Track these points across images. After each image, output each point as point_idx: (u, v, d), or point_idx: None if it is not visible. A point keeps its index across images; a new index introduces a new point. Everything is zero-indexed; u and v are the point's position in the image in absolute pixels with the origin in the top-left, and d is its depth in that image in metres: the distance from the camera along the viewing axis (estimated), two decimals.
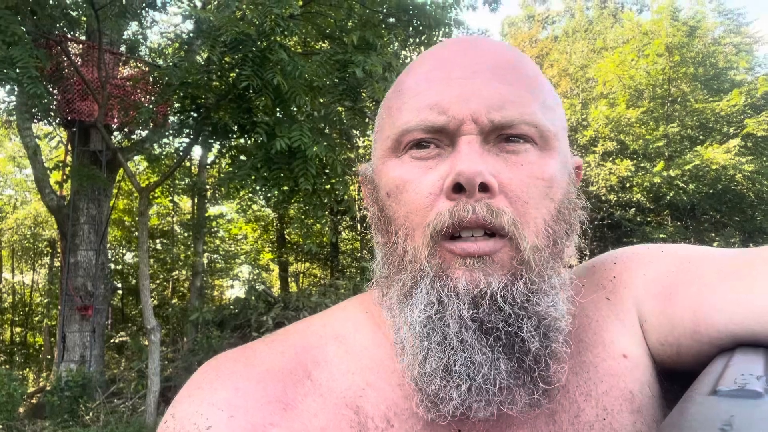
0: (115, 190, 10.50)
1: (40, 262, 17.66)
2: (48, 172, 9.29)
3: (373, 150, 0.67)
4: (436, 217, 0.54)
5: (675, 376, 0.62)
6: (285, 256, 16.08)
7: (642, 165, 14.52)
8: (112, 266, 13.66)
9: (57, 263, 15.03)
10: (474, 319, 0.53)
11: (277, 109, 6.61)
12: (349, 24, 6.96)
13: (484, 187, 0.53)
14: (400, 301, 0.57)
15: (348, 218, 14.89)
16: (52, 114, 8.87)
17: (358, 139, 10.58)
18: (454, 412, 0.53)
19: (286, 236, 16.04)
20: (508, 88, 0.56)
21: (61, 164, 9.74)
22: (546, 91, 0.60)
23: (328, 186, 7.24)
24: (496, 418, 0.57)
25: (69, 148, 9.43)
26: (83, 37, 9.11)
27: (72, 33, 8.75)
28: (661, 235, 13.92)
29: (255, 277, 16.53)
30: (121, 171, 9.41)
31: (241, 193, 10.78)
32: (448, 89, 0.56)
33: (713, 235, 14.67)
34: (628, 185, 14.61)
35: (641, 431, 0.58)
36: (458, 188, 0.53)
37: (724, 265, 0.59)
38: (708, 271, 0.59)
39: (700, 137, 14.90)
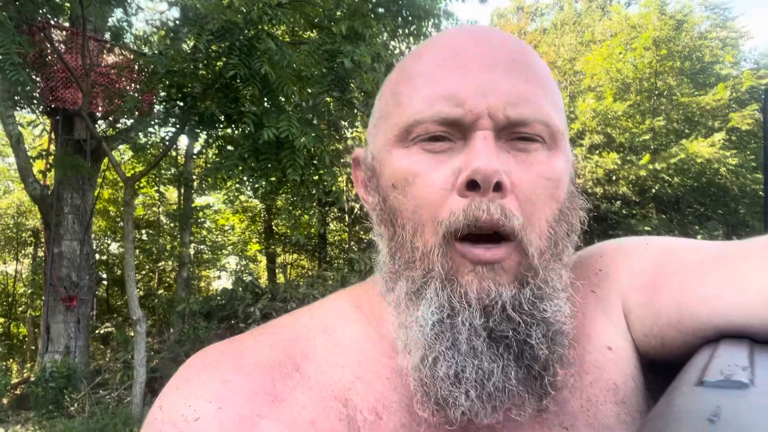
0: (99, 180, 10.38)
1: (23, 252, 17.44)
2: (31, 160, 9.15)
3: (372, 135, 0.65)
4: (450, 216, 0.53)
5: (659, 366, 0.63)
6: (272, 247, 16.03)
7: (628, 158, 14.64)
8: (97, 257, 13.53)
9: (41, 253, 14.86)
10: (485, 328, 0.52)
11: (265, 99, 6.56)
12: (338, 13, 6.91)
13: (498, 186, 0.52)
14: (409, 299, 0.56)
15: (336, 209, 14.87)
16: (35, 102, 8.74)
17: (346, 130, 10.54)
18: (462, 418, 0.53)
19: (274, 227, 15.97)
20: (524, 85, 0.56)
21: (44, 153, 9.62)
22: (555, 90, 0.60)
23: (316, 177, 7.22)
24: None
25: (53, 136, 9.30)
26: (67, 24, 8.96)
27: (55, 19, 8.60)
28: (646, 228, 14.07)
29: (242, 268, 16.49)
30: (105, 160, 9.31)
31: (228, 184, 10.70)
32: (465, 81, 0.55)
33: (697, 227, 14.86)
34: (614, 178, 14.73)
35: (625, 422, 0.59)
36: (472, 185, 0.52)
37: (707, 257, 0.60)
38: (692, 264, 0.60)
39: (686, 131, 15.05)
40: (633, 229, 14.03)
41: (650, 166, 13.93)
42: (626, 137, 14.72)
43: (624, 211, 15.06)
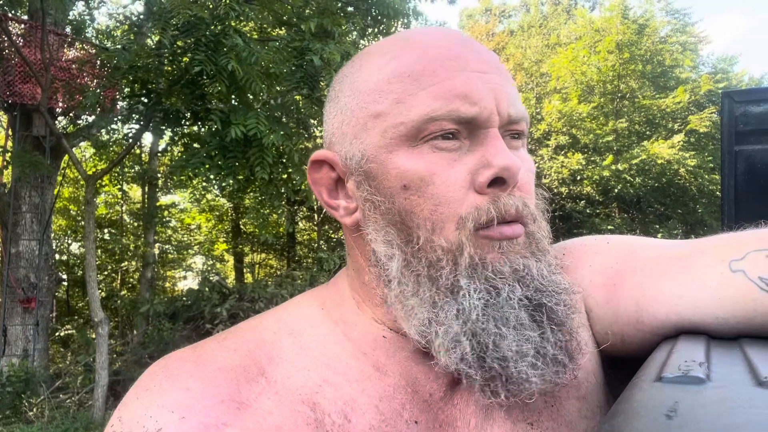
0: (59, 178, 10.09)
1: None
2: None
3: (351, 136, 0.61)
4: (476, 211, 0.55)
5: (619, 362, 0.65)
6: (240, 246, 15.81)
7: (592, 159, 14.97)
8: (57, 257, 13.12)
9: None
10: (527, 298, 0.55)
11: (233, 96, 6.46)
12: (307, 11, 6.85)
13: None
14: (442, 297, 0.55)
15: (305, 208, 14.76)
16: None
17: (315, 129, 10.48)
18: (532, 390, 0.53)
19: (242, 226, 15.76)
20: (510, 85, 0.60)
21: (1, 150, 9.29)
22: None
23: (285, 175, 7.15)
24: (451, 402, 0.58)
25: (10, 132, 9.00)
26: (25, 17, 8.68)
27: (13, 12, 8.32)
28: (609, 227, 14.41)
29: (209, 268, 16.20)
30: (66, 157, 9.04)
31: (195, 182, 10.52)
32: (474, 81, 0.56)
33: (657, 226, 15.28)
34: (579, 178, 15.04)
35: (586, 417, 0.60)
36: (495, 182, 0.55)
37: (665, 256, 0.62)
38: (650, 263, 0.62)
39: (647, 132, 15.46)
40: (597, 227, 14.36)
41: (613, 167, 14.27)
42: (590, 138, 15.04)
43: (588, 211, 15.39)
